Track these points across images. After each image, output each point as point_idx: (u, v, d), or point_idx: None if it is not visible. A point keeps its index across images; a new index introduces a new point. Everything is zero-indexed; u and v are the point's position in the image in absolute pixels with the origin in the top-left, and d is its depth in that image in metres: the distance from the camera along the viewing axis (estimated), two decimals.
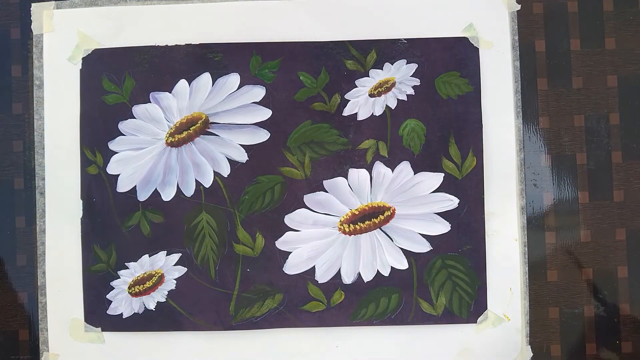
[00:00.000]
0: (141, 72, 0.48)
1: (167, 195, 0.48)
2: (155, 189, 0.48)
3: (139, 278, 0.48)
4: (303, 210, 0.48)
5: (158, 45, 0.48)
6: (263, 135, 0.48)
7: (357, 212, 0.48)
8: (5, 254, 0.49)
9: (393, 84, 0.48)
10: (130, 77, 0.48)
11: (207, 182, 0.48)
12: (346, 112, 0.48)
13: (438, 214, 0.48)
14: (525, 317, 0.48)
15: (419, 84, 0.48)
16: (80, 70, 0.48)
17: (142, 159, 0.48)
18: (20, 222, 0.49)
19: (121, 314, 0.48)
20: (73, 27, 0.49)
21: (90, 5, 0.49)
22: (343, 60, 0.48)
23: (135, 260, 0.48)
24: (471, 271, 0.48)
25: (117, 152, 0.48)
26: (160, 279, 0.48)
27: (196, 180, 0.48)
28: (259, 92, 0.48)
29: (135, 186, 0.48)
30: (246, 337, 0.48)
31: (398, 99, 0.48)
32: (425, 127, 0.48)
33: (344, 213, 0.48)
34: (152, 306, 0.48)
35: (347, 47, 0.48)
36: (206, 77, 0.48)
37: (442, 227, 0.48)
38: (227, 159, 0.48)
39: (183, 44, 0.48)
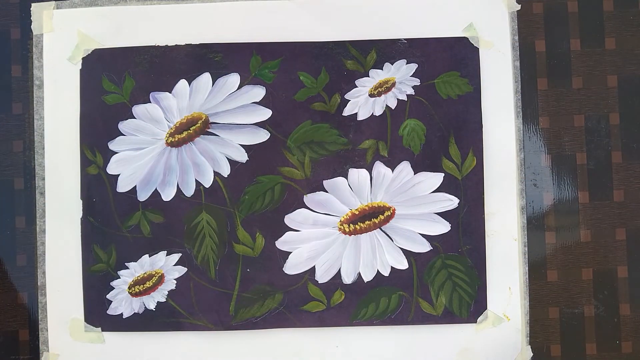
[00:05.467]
0: (141, 72, 0.48)
1: (167, 195, 0.48)
2: (155, 189, 0.48)
3: (139, 278, 0.48)
4: (303, 210, 0.48)
5: (158, 45, 0.48)
6: (263, 135, 0.48)
7: (357, 212, 0.48)
8: (5, 254, 0.49)
9: (393, 84, 0.48)
10: (130, 77, 0.48)
11: (207, 182, 0.48)
12: (346, 112, 0.48)
13: (438, 214, 0.48)
14: (525, 317, 0.48)
15: (419, 84, 0.48)
16: (80, 70, 0.48)
17: (142, 159, 0.48)
18: (20, 222, 0.49)
19: (121, 314, 0.48)
20: (73, 27, 0.49)
21: (90, 5, 0.49)
22: (343, 60, 0.48)
23: (135, 260, 0.48)
24: (471, 271, 0.48)
25: (117, 152, 0.48)
26: (161, 279, 0.48)
27: (196, 180, 0.48)
28: (259, 92, 0.48)
29: (135, 186, 0.48)
30: (246, 337, 0.48)
31: (398, 99, 0.48)
32: (425, 127, 0.48)
33: (344, 213, 0.48)
34: (152, 306, 0.48)
35: (347, 47, 0.48)
36: (206, 77, 0.48)
37: (442, 227, 0.48)
38: (227, 159, 0.48)
39: (183, 44, 0.48)
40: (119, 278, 0.48)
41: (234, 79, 0.48)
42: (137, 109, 0.48)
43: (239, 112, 0.48)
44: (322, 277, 0.48)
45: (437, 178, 0.48)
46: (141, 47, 0.48)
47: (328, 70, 0.48)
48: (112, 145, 0.48)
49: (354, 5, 0.49)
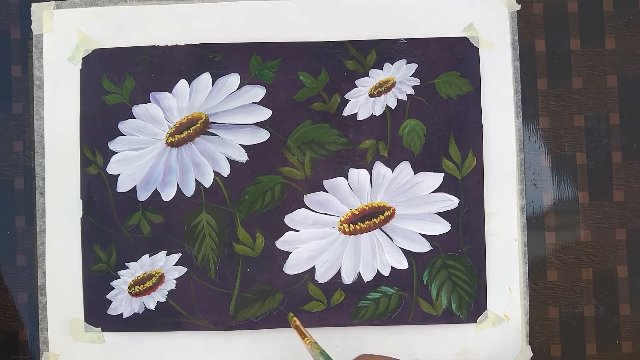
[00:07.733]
0: (141, 72, 0.48)
1: (167, 195, 0.48)
2: (155, 189, 0.48)
3: (139, 278, 0.48)
4: (303, 210, 0.48)
5: (158, 45, 0.48)
6: (263, 135, 0.48)
7: (357, 212, 0.48)
8: (5, 254, 0.49)
9: (393, 84, 0.48)
10: (130, 77, 0.48)
11: (207, 182, 0.48)
12: (346, 112, 0.48)
13: (438, 213, 0.48)
14: (525, 317, 0.48)
15: (419, 84, 0.48)
16: (80, 70, 0.48)
17: (142, 159, 0.48)
18: (20, 222, 0.49)
19: (121, 314, 0.48)
20: (73, 27, 0.49)
21: (90, 5, 0.49)
22: (343, 60, 0.48)
23: (135, 260, 0.48)
24: (471, 271, 0.48)
25: (117, 152, 0.48)
26: (161, 279, 0.48)
27: (196, 180, 0.48)
28: (259, 92, 0.48)
29: (135, 186, 0.48)
30: (246, 337, 0.48)
31: (398, 99, 0.48)
32: (425, 127, 0.48)
33: (344, 213, 0.48)
34: (152, 306, 0.48)
35: (347, 47, 0.48)
36: (206, 77, 0.48)
37: (442, 227, 0.48)
38: (227, 159, 0.48)
39: (183, 44, 0.48)
40: (119, 278, 0.48)
41: (234, 79, 0.48)
42: (137, 109, 0.48)
43: (239, 112, 0.48)
44: (322, 277, 0.48)
45: (437, 178, 0.48)
46: (141, 47, 0.48)
47: (328, 70, 0.48)
48: (112, 145, 0.48)
49: (354, 5, 0.49)
